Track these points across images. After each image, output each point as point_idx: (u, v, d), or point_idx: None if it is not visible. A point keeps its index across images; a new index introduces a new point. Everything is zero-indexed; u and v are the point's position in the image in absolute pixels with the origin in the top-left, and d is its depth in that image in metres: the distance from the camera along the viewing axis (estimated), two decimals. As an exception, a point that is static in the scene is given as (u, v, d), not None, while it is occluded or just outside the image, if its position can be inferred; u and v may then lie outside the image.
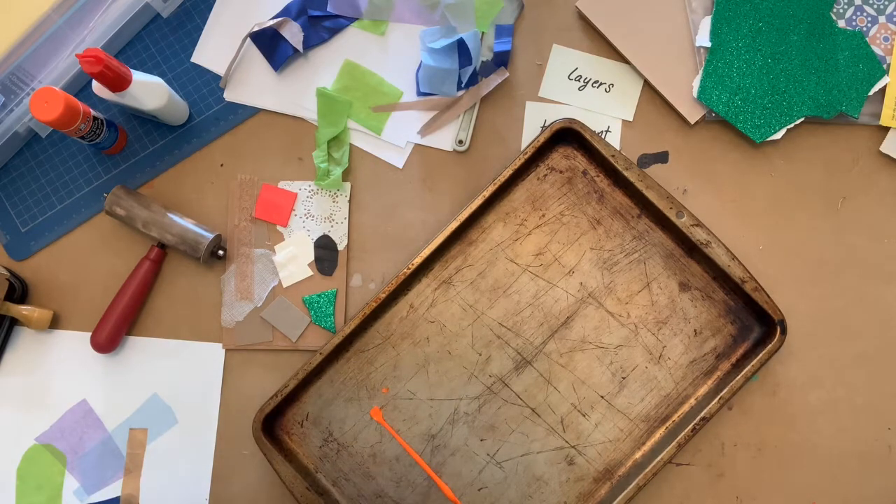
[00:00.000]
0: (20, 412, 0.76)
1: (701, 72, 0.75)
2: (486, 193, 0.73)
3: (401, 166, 0.78)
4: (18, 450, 0.76)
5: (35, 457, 0.76)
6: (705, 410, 0.70)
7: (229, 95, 0.79)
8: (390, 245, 0.77)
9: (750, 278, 0.71)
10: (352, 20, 0.79)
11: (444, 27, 0.75)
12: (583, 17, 0.77)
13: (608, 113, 0.77)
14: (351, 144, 0.78)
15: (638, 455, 0.72)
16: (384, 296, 0.72)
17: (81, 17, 0.75)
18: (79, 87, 0.78)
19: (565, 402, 0.73)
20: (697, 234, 0.72)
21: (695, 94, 0.75)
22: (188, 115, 0.78)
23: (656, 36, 0.76)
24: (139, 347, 0.77)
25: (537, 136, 0.74)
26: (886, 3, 0.75)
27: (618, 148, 0.77)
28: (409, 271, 0.73)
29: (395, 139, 0.78)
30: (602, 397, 0.73)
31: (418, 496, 0.73)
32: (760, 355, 0.70)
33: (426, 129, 0.77)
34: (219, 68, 0.79)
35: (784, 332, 0.71)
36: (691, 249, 0.73)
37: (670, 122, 0.77)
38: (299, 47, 0.77)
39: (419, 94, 0.78)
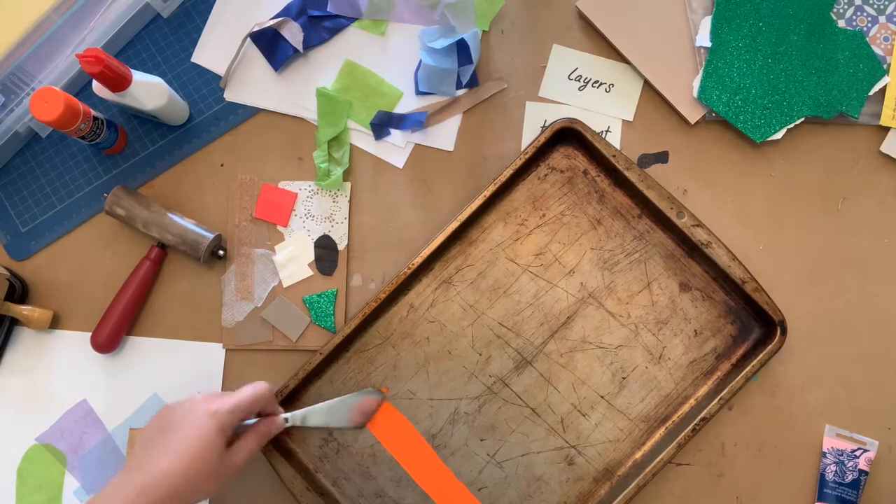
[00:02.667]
0: (20, 412, 0.76)
1: (701, 72, 0.75)
2: (487, 193, 0.73)
3: (401, 166, 0.78)
4: (18, 450, 0.76)
5: (35, 457, 0.76)
6: (705, 411, 0.70)
7: (229, 95, 0.79)
8: (390, 245, 0.77)
9: (750, 279, 0.71)
10: (352, 20, 0.79)
11: (443, 27, 0.75)
12: (583, 17, 0.77)
13: (608, 113, 0.77)
14: (351, 144, 0.78)
15: (638, 455, 0.72)
16: (384, 296, 0.72)
17: (81, 17, 0.75)
18: (79, 87, 0.78)
19: (565, 402, 0.73)
20: (698, 235, 0.72)
21: (695, 94, 0.75)
22: (188, 115, 0.78)
23: (656, 36, 0.76)
24: (139, 347, 0.77)
25: (538, 136, 0.74)
26: (886, 3, 0.75)
27: (618, 148, 0.77)
28: (409, 271, 0.73)
29: (395, 139, 0.78)
30: (602, 397, 0.73)
31: (418, 496, 0.73)
32: (760, 356, 0.70)
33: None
34: (219, 68, 0.79)
35: (784, 332, 0.71)
36: (692, 250, 0.73)
37: (670, 122, 0.77)
38: (299, 47, 0.77)
39: (418, 93, 0.78)
